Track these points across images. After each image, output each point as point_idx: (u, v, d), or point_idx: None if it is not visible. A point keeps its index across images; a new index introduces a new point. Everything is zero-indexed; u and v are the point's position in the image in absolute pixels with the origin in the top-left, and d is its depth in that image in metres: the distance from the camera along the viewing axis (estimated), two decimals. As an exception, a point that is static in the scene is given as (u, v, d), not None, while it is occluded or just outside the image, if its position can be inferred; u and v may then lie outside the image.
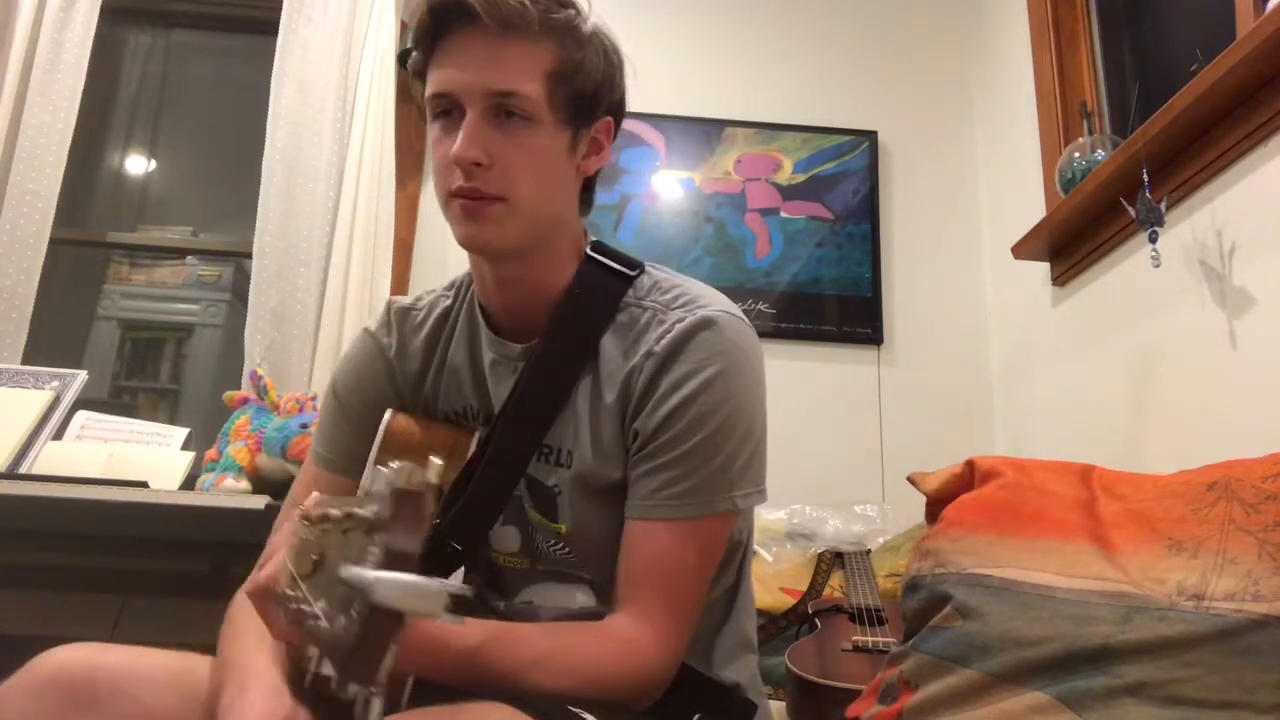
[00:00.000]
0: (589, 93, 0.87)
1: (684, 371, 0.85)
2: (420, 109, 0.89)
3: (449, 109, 0.84)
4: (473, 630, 0.73)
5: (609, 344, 0.90)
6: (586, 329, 0.90)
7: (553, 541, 0.91)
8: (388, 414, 0.87)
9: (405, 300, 1.02)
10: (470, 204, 0.83)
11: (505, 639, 0.76)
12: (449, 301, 1.00)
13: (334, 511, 0.55)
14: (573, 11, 0.86)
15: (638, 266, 0.94)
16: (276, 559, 0.65)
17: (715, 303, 0.90)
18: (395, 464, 0.50)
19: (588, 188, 0.95)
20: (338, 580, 0.49)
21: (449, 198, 0.84)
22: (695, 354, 0.85)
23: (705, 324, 0.86)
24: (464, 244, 0.86)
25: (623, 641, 0.80)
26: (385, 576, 0.46)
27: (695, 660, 0.89)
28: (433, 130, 0.86)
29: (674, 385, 0.85)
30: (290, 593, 0.56)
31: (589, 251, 0.94)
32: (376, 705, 0.48)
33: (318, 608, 0.51)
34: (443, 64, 0.83)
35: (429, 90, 0.85)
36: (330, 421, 0.99)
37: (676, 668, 0.84)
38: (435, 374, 0.98)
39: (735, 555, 0.97)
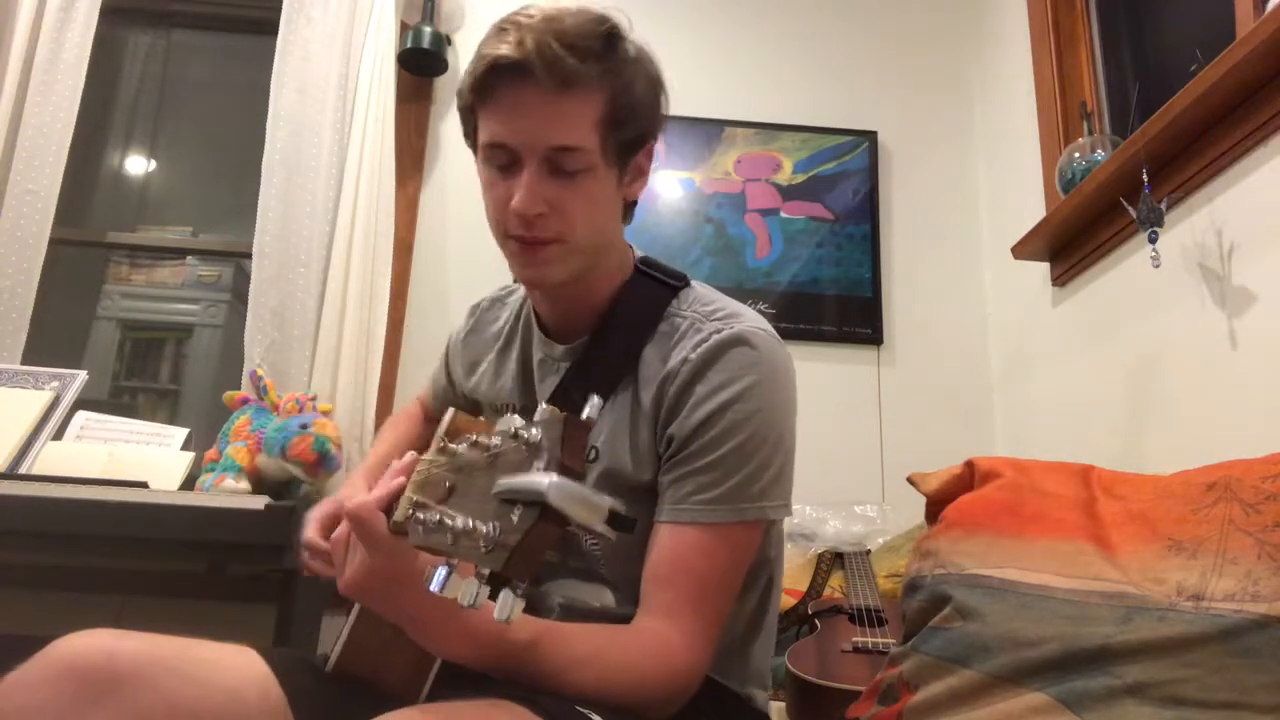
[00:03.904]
0: (639, 132, 0.91)
1: (720, 381, 0.87)
2: (476, 150, 0.91)
3: (505, 162, 0.86)
4: (527, 625, 0.73)
5: (650, 352, 0.92)
6: (631, 338, 0.93)
7: (584, 535, 0.92)
8: (450, 412, 0.89)
9: (500, 292, 1.13)
10: (527, 246, 0.87)
11: (556, 636, 0.76)
12: (520, 302, 1.08)
13: (491, 440, 0.58)
14: (622, 45, 0.87)
15: (683, 280, 0.98)
16: (381, 490, 0.68)
17: (753, 320, 0.92)
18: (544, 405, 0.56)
19: (629, 203, 0.99)
20: (489, 496, 0.53)
21: (505, 238, 0.89)
22: (731, 365, 0.87)
23: (742, 338, 0.89)
24: (522, 282, 0.93)
25: (656, 645, 0.80)
26: (559, 480, 0.49)
27: (713, 670, 0.88)
28: (486, 171, 0.89)
29: (710, 392, 0.87)
30: (422, 515, 0.59)
31: (638, 265, 0.99)
32: (519, 605, 0.51)
33: (459, 521, 0.54)
34: (499, 115, 0.85)
35: (484, 138, 0.87)
36: (439, 370, 1.18)
37: (704, 673, 0.83)
38: (495, 361, 1.06)
39: (762, 575, 0.96)
